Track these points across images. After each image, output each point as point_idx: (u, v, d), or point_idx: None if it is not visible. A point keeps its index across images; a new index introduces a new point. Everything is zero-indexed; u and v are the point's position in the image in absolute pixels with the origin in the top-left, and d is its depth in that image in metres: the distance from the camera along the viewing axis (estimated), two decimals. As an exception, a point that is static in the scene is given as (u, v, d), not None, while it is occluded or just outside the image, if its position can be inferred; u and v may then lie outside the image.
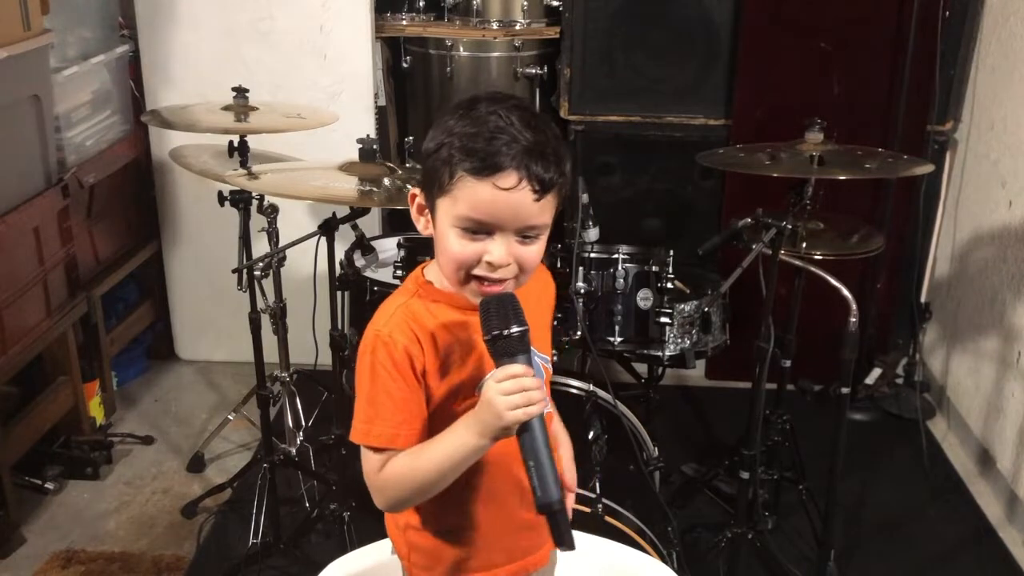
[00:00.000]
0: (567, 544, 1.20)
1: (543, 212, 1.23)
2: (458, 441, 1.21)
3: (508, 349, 1.18)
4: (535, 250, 1.25)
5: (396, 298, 1.33)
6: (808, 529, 2.65)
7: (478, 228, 1.21)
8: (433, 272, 1.33)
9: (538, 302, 1.39)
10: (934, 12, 3.06)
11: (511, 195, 1.19)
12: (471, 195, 1.20)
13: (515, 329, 1.18)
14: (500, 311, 1.19)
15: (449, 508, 1.33)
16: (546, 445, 1.18)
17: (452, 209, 1.22)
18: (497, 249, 1.22)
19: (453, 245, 1.23)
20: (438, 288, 1.31)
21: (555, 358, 2.37)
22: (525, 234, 1.23)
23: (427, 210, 1.28)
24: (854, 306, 2.16)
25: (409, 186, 1.33)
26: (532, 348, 1.31)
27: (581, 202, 2.45)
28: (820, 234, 2.50)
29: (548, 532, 1.39)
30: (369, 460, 1.28)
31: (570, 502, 1.48)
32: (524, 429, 1.18)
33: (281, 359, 2.80)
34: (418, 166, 1.32)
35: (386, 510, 1.34)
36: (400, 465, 1.25)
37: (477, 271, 1.23)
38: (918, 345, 3.47)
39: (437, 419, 1.28)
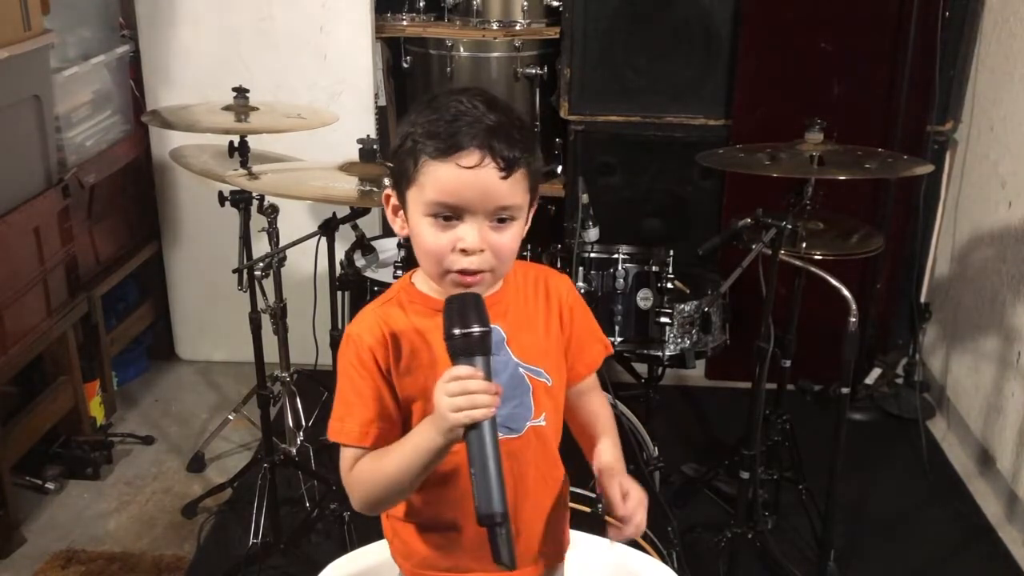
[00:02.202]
0: (505, 562, 1.16)
1: (513, 192, 1.21)
2: (416, 442, 1.21)
3: (465, 349, 1.16)
4: (509, 236, 1.23)
5: (376, 300, 1.33)
6: (808, 529, 2.65)
7: (448, 213, 1.20)
8: (419, 275, 1.32)
9: (533, 309, 1.35)
10: (934, 12, 3.06)
11: (475, 173, 1.18)
12: (436, 178, 1.19)
13: (475, 329, 1.15)
14: (461, 310, 1.16)
15: (426, 505, 1.33)
16: (495, 454, 1.14)
17: (420, 197, 1.21)
18: (469, 234, 1.20)
19: (426, 236, 1.22)
20: (418, 290, 1.31)
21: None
22: (498, 216, 1.21)
23: (401, 209, 1.28)
24: (854, 306, 2.16)
25: (387, 187, 1.32)
26: (518, 360, 1.30)
27: (581, 202, 2.45)
28: (820, 234, 2.49)
29: (533, 548, 1.37)
30: (343, 459, 1.29)
31: (640, 517, 1.31)
32: (470, 432, 1.15)
33: (281, 359, 2.80)
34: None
35: (360, 510, 1.32)
36: (366, 464, 1.26)
37: (452, 263, 1.22)
38: (918, 345, 3.47)
39: (409, 422, 1.27)
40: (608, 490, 1.32)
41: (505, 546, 1.15)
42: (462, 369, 1.15)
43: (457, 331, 1.15)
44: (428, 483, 1.26)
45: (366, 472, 1.26)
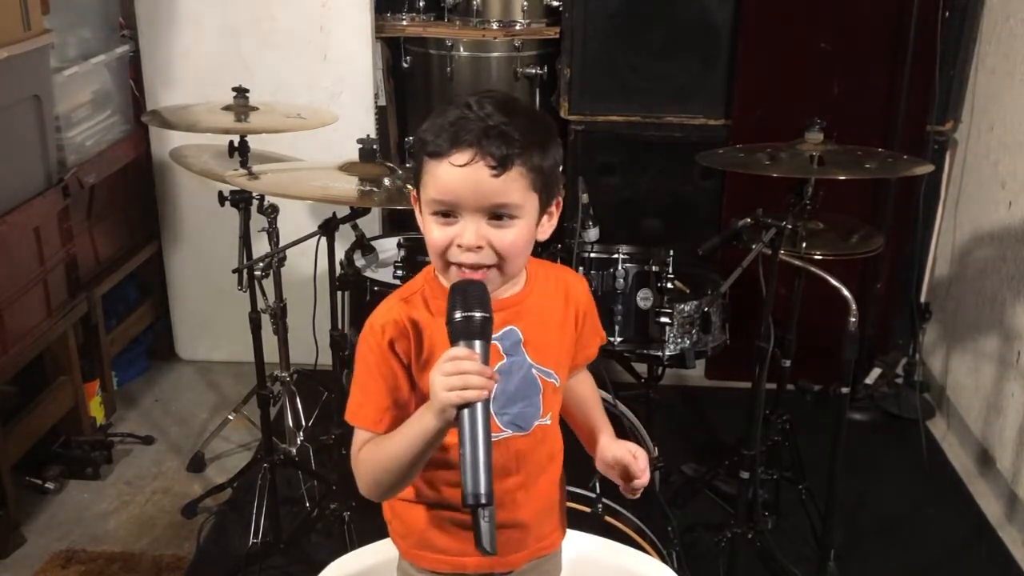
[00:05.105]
0: (486, 547, 1.16)
1: (507, 190, 1.22)
2: (414, 425, 1.23)
3: (465, 332, 1.18)
4: (512, 234, 1.25)
5: (400, 291, 1.36)
6: (808, 529, 2.65)
7: (446, 211, 1.24)
8: None
9: (552, 311, 1.38)
10: (934, 12, 3.06)
11: (466, 172, 1.21)
12: (433, 177, 1.24)
13: (476, 314, 1.18)
14: (463, 296, 1.20)
15: (427, 485, 1.36)
16: (486, 437, 1.15)
17: (425, 195, 1.26)
18: (467, 230, 1.23)
19: (431, 231, 1.27)
20: (440, 285, 1.33)
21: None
22: (493, 214, 1.23)
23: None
24: (854, 306, 2.16)
25: (409, 186, 1.36)
26: (532, 362, 1.33)
27: (581, 202, 2.45)
28: (820, 234, 2.49)
29: (528, 539, 1.40)
30: (354, 441, 1.32)
31: (644, 474, 1.39)
32: (462, 414, 1.16)
33: (281, 359, 2.80)
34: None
35: (365, 494, 1.34)
36: (371, 448, 1.29)
37: (452, 257, 1.25)
38: (918, 345, 3.47)
39: None
40: (620, 458, 1.40)
41: (487, 531, 1.16)
42: (458, 350, 1.17)
43: (459, 315, 1.18)
44: (427, 464, 1.29)
45: (370, 456, 1.29)
